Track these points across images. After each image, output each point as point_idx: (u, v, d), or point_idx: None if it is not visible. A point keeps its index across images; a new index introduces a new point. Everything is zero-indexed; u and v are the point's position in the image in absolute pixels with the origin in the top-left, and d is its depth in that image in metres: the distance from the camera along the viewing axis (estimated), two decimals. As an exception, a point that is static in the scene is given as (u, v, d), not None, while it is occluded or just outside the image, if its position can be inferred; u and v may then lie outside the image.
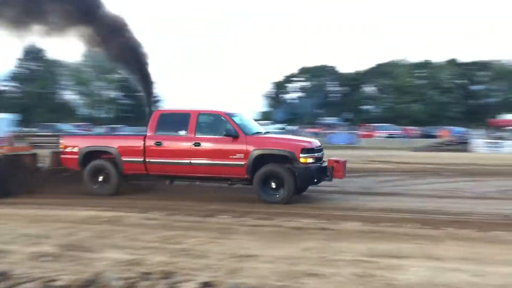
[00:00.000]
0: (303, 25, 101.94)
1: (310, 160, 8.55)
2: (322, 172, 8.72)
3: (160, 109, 10.19)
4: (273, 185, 8.57)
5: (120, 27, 11.52)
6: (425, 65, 60.77)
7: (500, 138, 30.75)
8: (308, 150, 8.64)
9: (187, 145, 9.03)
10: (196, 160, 8.94)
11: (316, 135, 36.16)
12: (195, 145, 8.97)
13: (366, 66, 64.30)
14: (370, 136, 37.35)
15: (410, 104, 57.01)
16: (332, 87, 66.90)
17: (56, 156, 10.05)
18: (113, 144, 9.57)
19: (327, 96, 64.37)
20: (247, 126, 9.44)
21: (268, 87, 70.28)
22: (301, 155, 8.47)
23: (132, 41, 11.77)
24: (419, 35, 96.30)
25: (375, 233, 6.20)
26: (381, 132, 39.22)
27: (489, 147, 27.35)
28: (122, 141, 9.70)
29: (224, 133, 8.83)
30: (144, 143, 9.27)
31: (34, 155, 10.12)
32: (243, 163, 8.67)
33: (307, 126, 43.32)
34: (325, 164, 8.87)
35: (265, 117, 56.94)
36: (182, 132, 9.18)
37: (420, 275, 4.42)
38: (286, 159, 8.59)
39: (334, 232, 6.27)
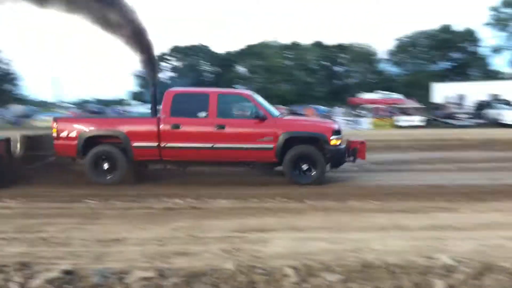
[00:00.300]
0: (174, 3, 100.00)
1: (339, 142, 8.61)
2: (347, 153, 8.79)
3: (172, 89, 9.12)
4: (305, 166, 8.45)
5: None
6: (294, 47, 63.72)
7: (358, 115, 33.70)
8: (336, 132, 8.66)
9: (210, 128, 8.49)
10: (220, 144, 8.45)
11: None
12: (219, 128, 8.48)
13: (238, 47, 65.54)
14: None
15: (280, 84, 59.48)
16: (205, 67, 67.01)
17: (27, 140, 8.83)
18: (122, 128, 8.59)
19: (200, 76, 64.35)
20: (270, 109, 9.10)
21: (139, 67, 67.88)
22: (332, 137, 8.48)
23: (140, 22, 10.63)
24: (288, 17, 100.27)
25: (244, 210, 6.43)
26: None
27: (348, 124, 29.78)
28: (132, 125, 8.79)
29: (254, 115, 8.51)
30: (159, 127, 8.48)
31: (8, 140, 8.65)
32: (271, 146, 8.42)
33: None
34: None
35: (136, 97, 55.07)
36: (202, 114, 8.58)
37: (283, 245, 4.70)
38: (316, 141, 8.52)
39: (204, 211, 6.38)
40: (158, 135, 8.47)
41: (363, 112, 34.84)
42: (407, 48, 61.09)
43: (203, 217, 5.96)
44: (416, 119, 31.81)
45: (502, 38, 63.57)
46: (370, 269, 3.94)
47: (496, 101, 33.53)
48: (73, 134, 8.52)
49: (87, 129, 8.59)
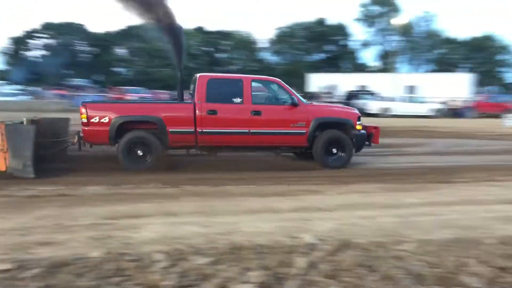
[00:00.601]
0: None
1: (361, 127, 9.14)
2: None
3: (204, 74, 8.95)
4: (334, 150, 8.95)
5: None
6: (175, 31, 62.81)
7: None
8: (359, 118, 9.22)
9: (246, 113, 8.63)
10: (256, 130, 8.66)
11: (62, 97, 33.74)
12: (255, 114, 8.67)
13: (117, 28, 62.71)
14: (121, 98, 36.89)
15: (161, 69, 58.28)
16: (81, 46, 63.12)
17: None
18: (158, 113, 8.43)
19: (75, 56, 60.47)
20: (298, 95, 9.28)
21: (5, 43, 61.98)
22: (357, 122, 9.08)
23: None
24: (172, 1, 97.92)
25: (116, 196, 6.25)
26: (132, 95, 39.12)
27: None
28: (169, 110, 8.64)
29: (290, 101, 8.79)
30: (195, 112, 8.43)
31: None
32: (304, 131, 8.80)
33: (52, 87, 40.01)
34: None
35: (1, 76, 50.17)
36: (237, 100, 8.66)
37: (155, 231, 4.66)
38: (343, 126, 9.03)
39: (74, 198, 6.08)
40: (195, 121, 8.45)
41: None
42: (286, 39, 63.59)
43: (72, 205, 5.68)
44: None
45: (370, 34, 69.12)
46: (239, 250, 4.08)
47: (363, 92, 36.52)
48: (106, 120, 8.18)
49: (121, 114, 8.30)
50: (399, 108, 30.52)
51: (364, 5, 67.58)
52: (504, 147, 13.96)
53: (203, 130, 8.51)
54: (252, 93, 8.80)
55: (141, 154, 8.36)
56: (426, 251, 4.14)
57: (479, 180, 8.03)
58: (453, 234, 4.70)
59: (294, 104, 8.87)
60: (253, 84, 8.92)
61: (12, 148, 7.18)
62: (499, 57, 73.30)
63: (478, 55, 72.97)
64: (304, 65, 57.50)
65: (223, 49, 65.25)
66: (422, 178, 8.04)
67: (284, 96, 9.00)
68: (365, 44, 67.06)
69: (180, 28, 10.11)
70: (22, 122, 7.52)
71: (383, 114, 29.62)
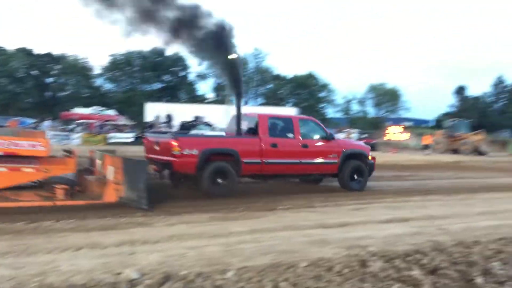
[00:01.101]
0: None
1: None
2: None
3: (262, 113, 10.83)
4: (355, 176, 11.03)
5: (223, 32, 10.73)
6: (-3, 51, 56.68)
7: (68, 130, 32.22)
8: (370, 150, 11.56)
9: (297, 147, 10.35)
10: (305, 160, 10.44)
11: None
12: (303, 147, 10.44)
13: None
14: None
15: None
16: None
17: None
18: (236, 146, 9.68)
19: None
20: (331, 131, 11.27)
21: None
22: (370, 154, 11.43)
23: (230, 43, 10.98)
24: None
25: None
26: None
27: (58, 138, 28.19)
28: (243, 143, 9.95)
29: (326, 136, 10.78)
30: (261, 145, 9.84)
31: None
32: (336, 161, 10.77)
33: None
34: None
35: None
36: (290, 135, 10.40)
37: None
38: (361, 156, 11.21)
39: None
40: (261, 153, 9.85)
41: (74, 127, 33.62)
42: (121, 66, 62.10)
43: None
44: (129, 136, 32.49)
45: (206, 66, 71.37)
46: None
47: (199, 122, 37.33)
48: (195, 152, 9.12)
49: (208, 147, 9.38)
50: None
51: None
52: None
53: (267, 161, 9.99)
54: (301, 129, 10.61)
55: (219, 181, 9.43)
56: (247, 277, 4.31)
57: (300, 207, 8.69)
58: (272, 259, 4.97)
59: (330, 139, 10.91)
60: (300, 122, 10.89)
61: (128, 181, 7.69)
62: (320, 94, 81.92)
63: (302, 91, 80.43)
64: (141, 94, 56.72)
65: (52, 73, 60.85)
66: (251, 207, 8.42)
67: (321, 132, 10.96)
68: (201, 76, 69.06)
69: (241, 74, 11.49)
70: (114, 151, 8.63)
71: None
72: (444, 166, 23.22)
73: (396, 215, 8.02)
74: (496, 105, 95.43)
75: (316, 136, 10.88)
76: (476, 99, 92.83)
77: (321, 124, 11.18)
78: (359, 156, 11.28)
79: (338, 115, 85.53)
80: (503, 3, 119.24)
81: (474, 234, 6.59)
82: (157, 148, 9.90)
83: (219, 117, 39.60)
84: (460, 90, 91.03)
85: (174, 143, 9.12)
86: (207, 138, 11.17)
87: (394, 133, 35.42)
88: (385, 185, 12.84)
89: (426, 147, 34.61)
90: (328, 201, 9.38)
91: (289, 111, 48.85)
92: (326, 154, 10.79)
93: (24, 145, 7.63)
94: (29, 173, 7.80)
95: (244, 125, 10.60)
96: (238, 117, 10.68)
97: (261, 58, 76.70)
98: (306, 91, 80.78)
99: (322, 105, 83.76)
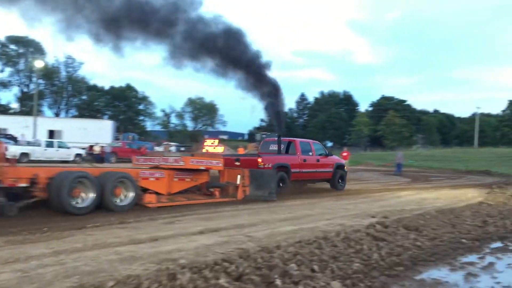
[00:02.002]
0: None
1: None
2: None
3: (297, 139, 16.78)
4: (340, 180, 17.40)
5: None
6: None
7: None
8: None
9: (314, 160, 16.23)
10: (318, 170, 16.48)
11: None
12: (317, 161, 16.41)
13: None
14: None
15: None
16: None
17: None
18: (288, 161, 15.04)
19: None
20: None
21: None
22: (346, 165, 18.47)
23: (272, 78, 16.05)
24: None
25: None
26: None
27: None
28: (291, 159, 15.26)
29: (326, 153, 17.16)
30: (299, 160, 15.47)
31: None
32: (331, 170, 16.99)
33: None
34: None
35: None
36: (310, 153, 16.22)
37: None
38: (342, 167, 17.56)
39: None
40: (300, 166, 15.41)
41: None
42: None
43: None
44: None
45: (9, 74, 64.39)
46: None
47: (1, 135, 33.24)
48: (270, 165, 14.18)
49: (276, 162, 14.57)
50: (39, 153, 28.95)
51: (2, 44, 62.88)
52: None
53: (302, 171, 15.45)
54: (315, 149, 16.60)
55: (281, 184, 14.16)
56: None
57: (111, 224, 8.34)
58: (75, 282, 4.65)
59: (328, 155, 17.12)
60: (313, 144, 16.88)
61: (255, 183, 12.94)
62: (139, 106, 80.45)
63: (120, 103, 78.02)
64: None
65: None
66: (56, 226, 7.77)
67: (324, 151, 17.25)
68: (3, 84, 62.04)
69: (283, 100, 16.87)
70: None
71: (21, 160, 27.52)
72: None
73: (208, 226, 8.24)
74: (300, 120, 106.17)
75: (322, 154, 16.94)
76: (284, 114, 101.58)
77: (324, 146, 17.79)
78: (342, 167, 17.61)
79: (158, 128, 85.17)
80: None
81: (276, 239, 7.14)
82: (237, 163, 14.38)
83: (25, 130, 35.96)
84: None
85: (260, 160, 14.22)
86: (275, 156, 15.26)
87: (211, 146, 36.68)
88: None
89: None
90: (142, 216, 9.20)
91: (105, 124, 46.87)
92: (327, 166, 16.90)
93: (213, 163, 12.54)
94: (189, 182, 12.21)
95: (273, 147, 16.21)
96: (279, 141, 15.92)
97: (75, 67, 72.25)
98: (124, 103, 78.67)
99: (141, 117, 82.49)
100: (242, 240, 7.13)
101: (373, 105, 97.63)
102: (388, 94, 78.60)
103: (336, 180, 17.19)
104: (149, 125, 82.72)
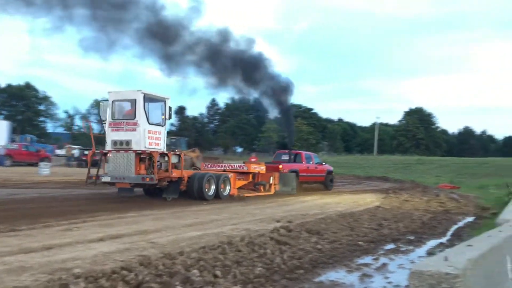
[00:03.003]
0: None
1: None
2: None
3: (301, 151, 24.20)
4: (330, 182, 23.21)
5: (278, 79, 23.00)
6: None
7: None
8: None
9: (314, 167, 22.05)
10: (316, 174, 22.08)
11: None
12: (315, 168, 22.12)
13: None
14: None
15: None
16: None
17: None
18: (296, 167, 20.85)
19: None
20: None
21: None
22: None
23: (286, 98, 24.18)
24: None
25: None
26: None
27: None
28: (299, 166, 21.24)
29: (320, 162, 23.28)
30: (304, 166, 21.47)
31: None
32: (324, 174, 22.54)
33: None
34: None
35: None
36: (311, 162, 22.19)
37: None
38: (331, 172, 23.49)
39: None
40: (305, 170, 21.26)
41: None
42: None
43: None
44: None
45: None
46: None
47: None
48: (287, 170, 19.95)
49: (290, 168, 20.35)
50: None
51: None
52: (35, 195, 14.17)
53: (306, 174, 21.14)
54: (314, 159, 22.89)
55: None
56: None
57: (1, 232, 7.68)
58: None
59: (321, 163, 22.88)
60: (306, 154, 22.82)
61: (282, 182, 18.96)
62: (40, 107, 75.53)
63: (18, 102, 72.83)
64: None
65: None
66: None
67: (319, 160, 23.45)
68: None
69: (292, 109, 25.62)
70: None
71: None
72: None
73: (109, 233, 7.88)
74: (211, 125, 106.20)
75: (319, 162, 22.96)
76: (195, 119, 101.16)
77: (315, 154, 24.74)
78: (331, 172, 23.43)
79: (60, 130, 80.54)
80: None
81: (180, 245, 7.00)
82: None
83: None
84: (180, 110, 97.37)
85: (280, 167, 19.69)
86: (289, 164, 20.82)
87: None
88: (102, 202, 12.61)
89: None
90: (36, 223, 8.58)
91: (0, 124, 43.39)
92: (322, 171, 22.63)
93: (261, 168, 18.11)
94: (242, 181, 17.39)
95: (284, 157, 21.81)
96: (290, 152, 22.19)
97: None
98: (23, 102, 73.59)
99: (42, 119, 77.63)
100: (145, 246, 6.90)
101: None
102: (296, 102, 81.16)
103: (327, 182, 22.98)
104: (51, 127, 78.01)
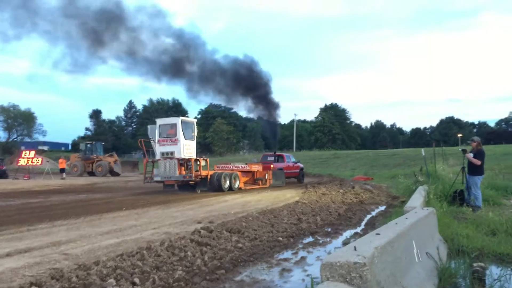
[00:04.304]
0: None
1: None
2: None
3: (284, 153, 29.98)
4: (302, 177, 29.11)
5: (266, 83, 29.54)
6: None
7: None
8: None
9: (292, 164, 28.17)
10: (293, 170, 27.93)
11: None
12: (292, 166, 28.11)
13: None
14: None
15: None
16: None
17: None
18: (282, 166, 26.94)
19: None
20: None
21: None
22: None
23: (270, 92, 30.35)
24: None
25: None
26: None
27: None
28: (284, 165, 27.16)
29: (297, 162, 29.21)
30: (287, 165, 27.41)
31: None
32: (298, 171, 28.44)
33: None
34: None
35: None
36: (289, 161, 28.55)
37: None
38: (303, 170, 29.96)
39: None
40: (287, 168, 26.98)
41: None
42: None
43: None
44: None
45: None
46: None
47: None
48: (297, 170, 28.60)
49: (279, 167, 26.13)
50: None
51: None
52: None
53: (287, 171, 26.74)
54: (290, 159, 29.18)
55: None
56: None
57: None
58: None
59: (297, 163, 28.98)
60: (291, 156, 30.29)
61: (275, 177, 24.61)
62: None
63: None
64: None
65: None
66: None
67: (295, 160, 29.84)
68: None
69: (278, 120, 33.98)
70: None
71: None
72: (79, 189, 23.30)
73: (17, 247, 7.37)
74: (129, 128, 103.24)
75: (294, 161, 28.68)
76: (112, 122, 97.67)
77: (294, 158, 30.15)
78: (302, 169, 29.17)
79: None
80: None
81: (96, 255, 6.73)
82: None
83: None
84: (95, 114, 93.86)
85: (272, 166, 24.99)
86: (276, 164, 26.45)
87: (28, 158, 33.29)
88: (7, 215, 11.80)
89: (62, 171, 33.96)
90: None
91: None
92: (296, 168, 28.09)
93: (258, 168, 24.08)
94: (246, 178, 23.20)
95: (270, 158, 28.12)
96: (275, 154, 28.66)
97: None
98: None
99: None
100: (57, 259, 6.54)
101: (201, 112, 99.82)
102: (216, 102, 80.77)
103: (300, 176, 28.48)
104: None
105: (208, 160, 21.20)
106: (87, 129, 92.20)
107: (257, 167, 23.90)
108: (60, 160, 35.26)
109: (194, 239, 7.77)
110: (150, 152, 20.82)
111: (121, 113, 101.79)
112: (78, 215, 11.54)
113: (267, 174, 24.00)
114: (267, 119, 32.62)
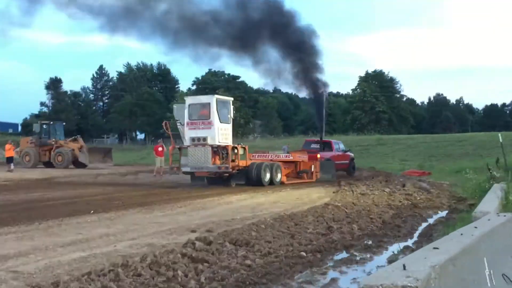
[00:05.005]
0: None
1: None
2: None
3: (332, 140, 33.81)
4: (352, 169, 31.96)
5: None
6: None
7: None
8: None
9: (341, 155, 31.08)
10: (342, 161, 30.41)
11: None
12: (342, 155, 31.01)
13: None
14: None
15: None
16: None
17: None
18: (330, 156, 29.54)
19: None
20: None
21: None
22: None
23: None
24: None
25: None
26: None
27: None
28: (331, 154, 29.72)
29: (346, 150, 32.47)
30: (335, 155, 30.55)
31: None
32: (348, 161, 31.37)
33: None
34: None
35: None
36: (338, 150, 31.32)
37: None
38: (353, 159, 32.80)
39: None
40: (335, 158, 29.63)
41: None
42: None
43: None
44: None
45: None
46: None
47: None
48: (345, 160, 31.62)
49: (328, 157, 28.87)
50: None
51: None
52: None
53: (336, 162, 28.79)
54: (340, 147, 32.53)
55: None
56: None
57: None
58: None
59: (347, 151, 32.27)
60: (340, 143, 33.69)
61: (323, 170, 26.26)
62: None
63: None
64: None
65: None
66: None
67: (345, 148, 32.93)
68: None
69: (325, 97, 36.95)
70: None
71: None
72: (32, 185, 23.54)
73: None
74: (99, 103, 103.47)
75: (344, 150, 31.94)
76: (76, 95, 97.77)
77: (343, 145, 33.22)
78: (353, 159, 32.53)
79: None
80: None
81: (55, 273, 6.85)
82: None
83: None
84: (54, 84, 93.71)
85: (318, 156, 26.43)
86: (323, 153, 28.13)
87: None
88: None
89: (9, 160, 34.03)
90: None
91: None
92: (346, 158, 31.09)
93: (304, 157, 25.96)
94: (287, 170, 25.08)
95: (314, 145, 30.15)
96: (321, 141, 30.65)
97: None
98: None
99: None
100: (3, 278, 6.66)
101: (197, 82, 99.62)
102: (217, 68, 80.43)
103: (350, 169, 30.60)
104: None
105: (247, 147, 22.70)
106: (42, 104, 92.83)
107: (302, 157, 25.41)
108: (7, 147, 35.41)
109: (186, 254, 7.85)
110: (175, 137, 22.53)
111: (88, 83, 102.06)
112: (31, 220, 11.69)
113: (313, 166, 25.19)
114: (314, 95, 33.53)
